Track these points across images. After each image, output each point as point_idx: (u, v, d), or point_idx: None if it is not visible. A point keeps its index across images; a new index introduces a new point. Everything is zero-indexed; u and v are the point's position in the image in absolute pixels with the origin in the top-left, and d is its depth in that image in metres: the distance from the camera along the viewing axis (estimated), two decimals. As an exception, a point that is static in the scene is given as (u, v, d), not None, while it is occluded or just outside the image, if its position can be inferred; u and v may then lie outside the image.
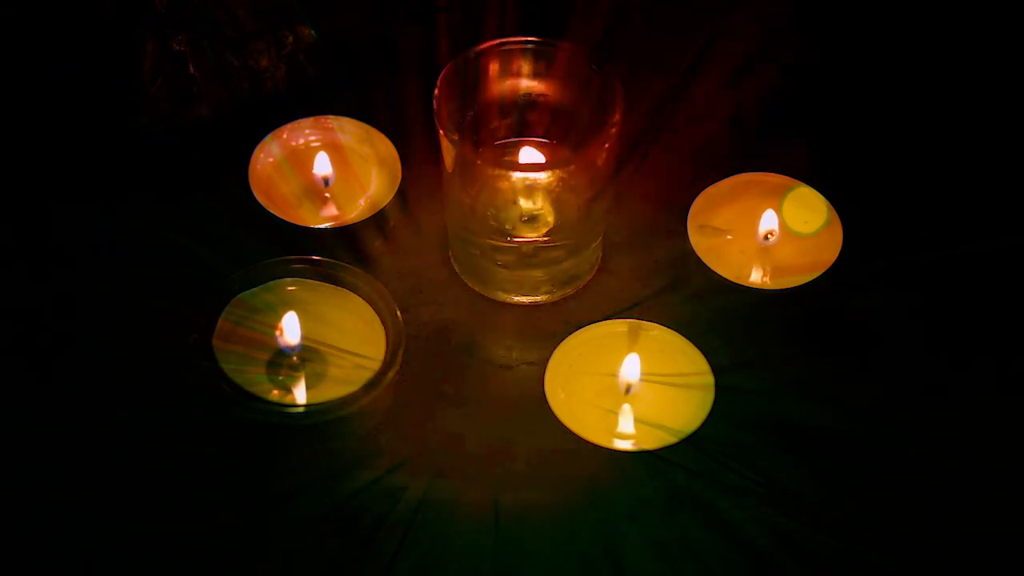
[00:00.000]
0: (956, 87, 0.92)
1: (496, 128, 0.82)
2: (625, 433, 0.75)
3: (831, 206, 0.83)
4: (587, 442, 0.73)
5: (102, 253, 0.83)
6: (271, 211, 0.83)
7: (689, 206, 0.83)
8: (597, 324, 0.78)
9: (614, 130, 0.75)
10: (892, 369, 0.79)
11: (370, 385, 0.74)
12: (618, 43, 0.91)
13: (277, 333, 0.76)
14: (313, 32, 0.90)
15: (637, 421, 0.75)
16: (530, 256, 0.80)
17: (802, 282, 0.80)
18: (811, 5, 0.95)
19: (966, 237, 0.84)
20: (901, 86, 0.93)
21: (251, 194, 0.83)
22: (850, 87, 0.92)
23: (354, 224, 0.83)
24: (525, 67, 0.79)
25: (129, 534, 0.71)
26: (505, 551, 0.71)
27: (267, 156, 0.86)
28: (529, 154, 0.82)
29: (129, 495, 0.73)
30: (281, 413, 0.74)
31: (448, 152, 0.76)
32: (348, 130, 0.87)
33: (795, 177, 0.84)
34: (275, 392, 0.76)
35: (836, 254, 0.81)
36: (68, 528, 0.72)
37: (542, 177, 0.78)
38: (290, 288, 0.79)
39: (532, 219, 0.80)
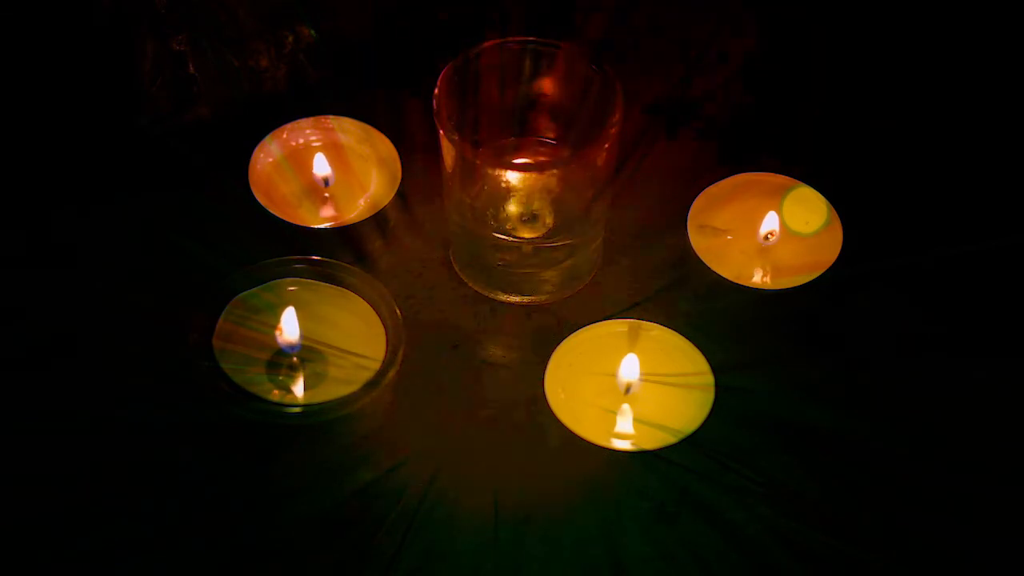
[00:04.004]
0: (956, 87, 0.92)
1: (496, 128, 0.82)
2: (625, 433, 0.75)
3: (831, 206, 0.83)
4: (587, 442, 0.73)
5: (102, 253, 0.83)
6: (271, 211, 0.83)
7: (689, 206, 0.83)
8: (597, 324, 0.78)
9: (614, 130, 0.75)
10: (892, 369, 0.79)
11: (370, 385, 0.74)
12: (618, 43, 0.91)
13: (277, 332, 0.76)
14: (313, 32, 0.90)
15: (637, 421, 0.75)
16: (530, 256, 0.80)
17: (802, 282, 0.80)
18: (811, 5, 0.95)
19: (966, 237, 0.84)
20: (901, 86, 0.93)
21: (251, 194, 0.83)
22: (850, 87, 0.92)
23: (354, 224, 0.83)
24: (525, 67, 0.79)
25: (130, 534, 0.71)
26: (505, 551, 0.71)
27: (267, 156, 0.86)
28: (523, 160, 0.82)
29: (129, 495, 0.73)
30: (281, 413, 0.74)
31: (448, 152, 0.76)
32: (348, 130, 0.87)
33: (795, 177, 0.84)
34: (275, 392, 0.76)
35: (836, 254, 0.81)
36: (68, 528, 0.72)
37: (542, 177, 0.78)
38: (290, 288, 0.79)
39: (532, 219, 0.80)
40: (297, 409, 0.74)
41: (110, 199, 0.86)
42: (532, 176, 0.78)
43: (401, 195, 0.85)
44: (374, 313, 0.78)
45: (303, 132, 0.87)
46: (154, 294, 0.80)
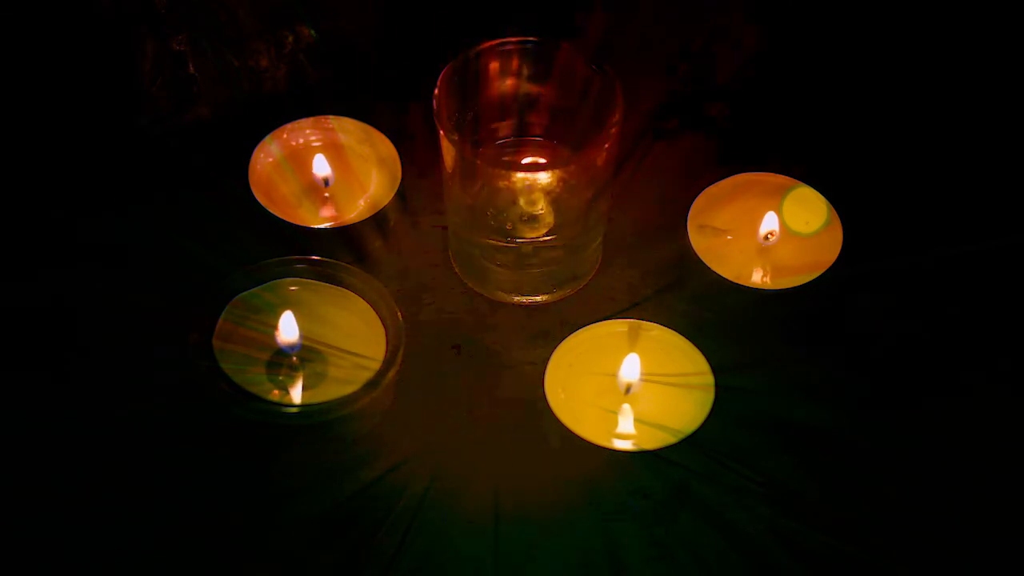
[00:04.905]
0: (956, 87, 0.92)
1: (496, 128, 0.82)
2: (625, 433, 0.75)
3: (831, 206, 0.83)
4: (587, 442, 0.73)
5: (102, 253, 0.83)
6: (271, 211, 0.83)
7: (689, 206, 0.83)
8: (597, 324, 0.78)
9: (614, 130, 0.75)
10: (892, 369, 0.79)
11: (370, 385, 0.74)
12: (618, 43, 0.91)
13: (276, 333, 0.76)
14: (313, 32, 0.90)
15: (637, 421, 0.75)
16: (530, 256, 0.80)
17: (802, 282, 0.80)
18: (811, 5, 0.95)
19: (966, 237, 0.84)
20: (901, 86, 0.93)
21: (251, 194, 0.83)
22: (850, 87, 0.92)
23: (354, 224, 0.83)
24: (525, 67, 0.79)
25: (129, 534, 0.71)
26: (505, 551, 0.71)
27: (267, 156, 0.86)
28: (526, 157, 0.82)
29: (129, 495, 0.73)
30: (281, 413, 0.74)
31: (448, 152, 0.76)
32: (348, 130, 0.87)
33: (795, 177, 0.84)
34: (275, 392, 0.76)
35: (836, 254, 0.81)
36: (68, 528, 0.72)
37: (542, 177, 0.78)
38: (290, 288, 0.79)
39: (532, 219, 0.80)
40: (297, 409, 0.74)
41: (110, 199, 0.86)
42: (532, 176, 0.78)
43: (401, 195, 0.85)
44: (374, 313, 0.78)
45: (303, 132, 0.87)
46: (154, 294, 0.80)
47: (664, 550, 0.72)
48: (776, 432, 0.76)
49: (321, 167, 0.85)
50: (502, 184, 0.78)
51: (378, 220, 0.84)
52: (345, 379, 0.75)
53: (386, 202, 0.84)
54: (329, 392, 0.75)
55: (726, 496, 0.73)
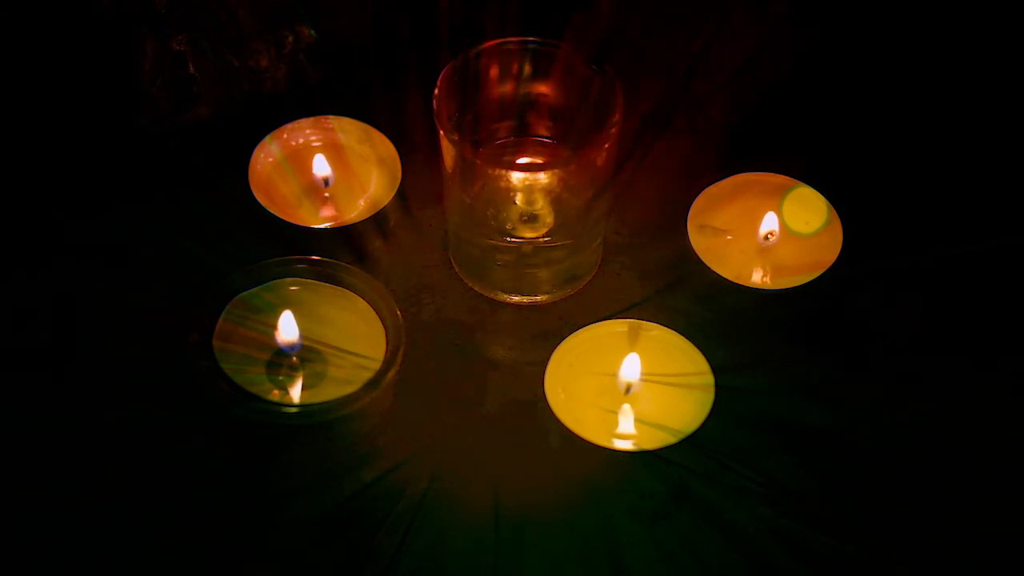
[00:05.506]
0: (956, 87, 0.92)
1: (496, 128, 0.82)
2: (625, 433, 0.75)
3: (831, 206, 0.83)
4: (587, 442, 0.73)
5: (102, 253, 0.83)
6: (271, 211, 0.83)
7: (689, 206, 0.83)
8: (597, 324, 0.78)
9: (614, 130, 0.75)
10: (892, 369, 0.79)
11: (370, 385, 0.74)
12: (618, 43, 0.91)
13: (276, 333, 0.76)
14: (313, 32, 0.90)
15: (637, 421, 0.75)
16: (530, 256, 0.80)
17: (802, 282, 0.80)
18: (811, 5, 0.95)
19: (966, 237, 0.84)
20: (901, 86, 0.93)
21: (251, 194, 0.83)
22: (850, 87, 0.92)
23: (354, 224, 0.83)
24: (525, 67, 0.79)
25: (129, 534, 0.71)
26: (505, 551, 0.71)
27: (267, 156, 0.86)
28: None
29: (129, 495, 0.73)
30: (281, 413, 0.74)
31: (448, 152, 0.76)
32: (348, 130, 0.87)
33: (795, 177, 0.84)
34: (275, 392, 0.76)
35: (836, 254, 0.81)
36: (68, 528, 0.72)
37: (542, 177, 0.78)
38: (290, 288, 0.79)
39: (532, 219, 0.80)
40: (297, 409, 0.74)
41: (110, 199, 0.86)
42: (532, 176, 0.78)
43: (401, 195, 0.85)
44: (374, 313, 0.78)
45: (303, 132, 0.87)
46: (154, 294, 0.80)
47: (664, 550, 0.72)
48: (776, 432, 0.76)
49: (321, 167, 0.85)
50: (502, 184, 0.78)
51: (378, 220, 0.84)
52: (345, 379, 0.75)
53: (386, 202, 0.84)
54: (329, 392, 0.75)
55: (726, 496, 0.73)
